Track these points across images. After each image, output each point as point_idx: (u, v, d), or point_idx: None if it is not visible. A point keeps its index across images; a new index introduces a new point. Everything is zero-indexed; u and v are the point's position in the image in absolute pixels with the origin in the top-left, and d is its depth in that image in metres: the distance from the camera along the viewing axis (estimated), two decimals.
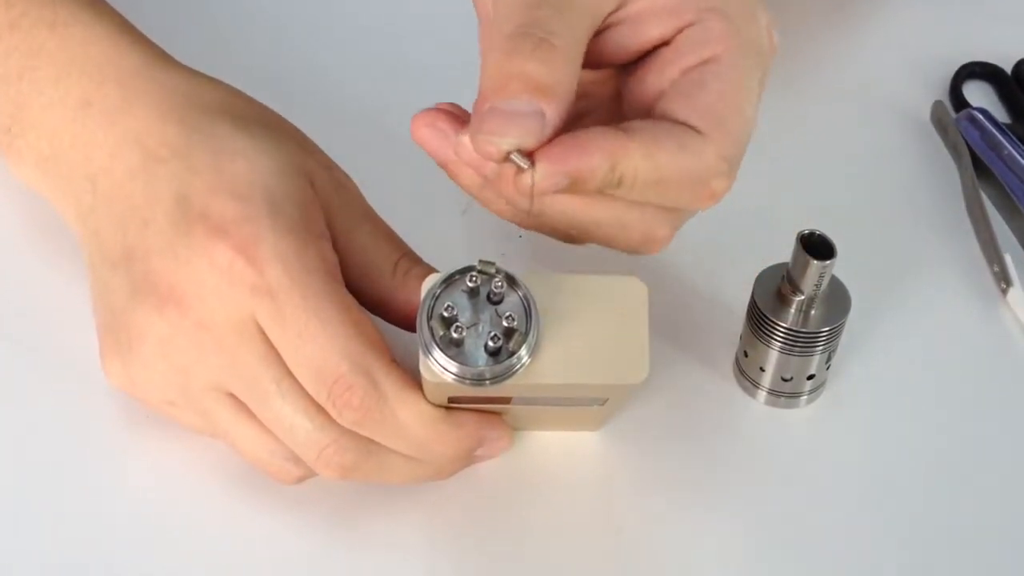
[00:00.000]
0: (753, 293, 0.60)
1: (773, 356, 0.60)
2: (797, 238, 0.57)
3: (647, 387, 0.60)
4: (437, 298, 0.51)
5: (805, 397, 0.62)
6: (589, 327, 0.52)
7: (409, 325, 0.54)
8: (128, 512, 0.57)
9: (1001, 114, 0.75)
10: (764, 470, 0.60)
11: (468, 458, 0.56)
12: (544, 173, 0.48)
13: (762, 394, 0.62)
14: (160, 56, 0.57)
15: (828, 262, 0.56)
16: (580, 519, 0.59)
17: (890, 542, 0.59)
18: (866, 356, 0.64)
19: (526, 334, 0.51)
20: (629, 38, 0.53)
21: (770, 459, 0.61)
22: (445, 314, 0.51)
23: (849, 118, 0.74)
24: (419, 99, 0.68)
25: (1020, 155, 0.71)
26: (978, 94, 0.76)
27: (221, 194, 0.52)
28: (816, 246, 0.57)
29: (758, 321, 0.59)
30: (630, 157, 0.49)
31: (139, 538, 0.56)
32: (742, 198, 0.67)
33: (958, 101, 0.75)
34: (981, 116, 0.72)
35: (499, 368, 0.51)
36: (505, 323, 0.51)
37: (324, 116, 0.61)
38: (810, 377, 0.61)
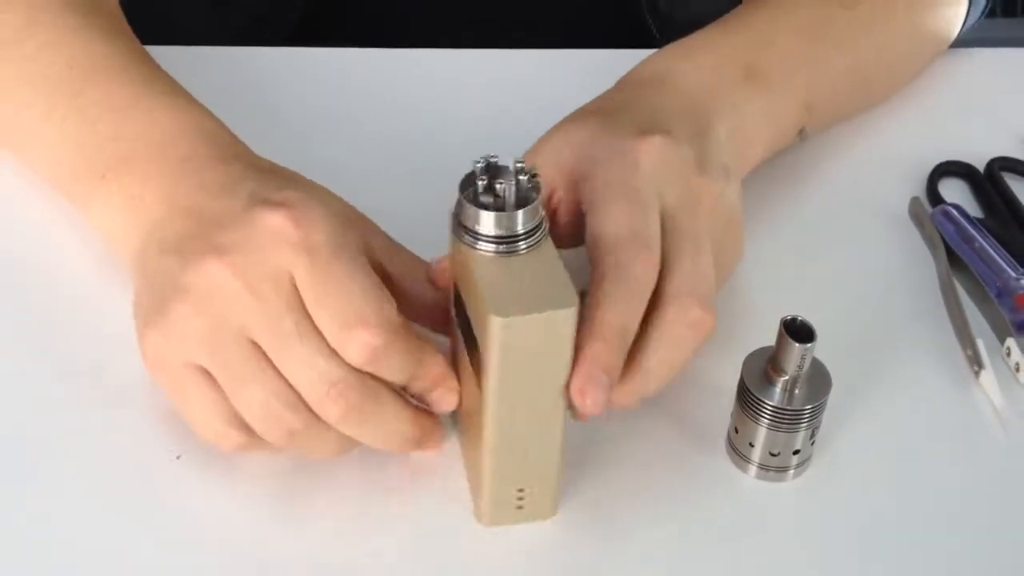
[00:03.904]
0: (742, 374, 0.62)
1: (761, 432, 0.62)
2: (781, 323, 0.60)
3: (646, 462, 0.63)
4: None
5: (792, 471, 0.64)
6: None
7: (437, 323, 0.63)
8: (170, 530, 0.61)
9: (974, 209, 0.77)
10: (754, 539, 0.62)
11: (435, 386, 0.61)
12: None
13: (752, 468, 0.64)
14: (236, 137, 0.67)
15: (809, 345, 0.59)
16: None
17: None
18: (848, 433, 0.66)
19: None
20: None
21: (760, 529, 0.63)
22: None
23: (832, 212, 0.77)
24: (427, 171, 0.72)
25: (991, 247, 0.73)
26: (953, 190, 0.78)
27: (284, 191, 0.60)
28: (798, 331, 0.60)
29: (747, 399, 0.62)
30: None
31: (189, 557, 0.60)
32: (732, 287, 0.70)
33: (934, 197, 0.77)
34: (955, 211, 0.75)
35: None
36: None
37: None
38: (796, 452, 0.63)
